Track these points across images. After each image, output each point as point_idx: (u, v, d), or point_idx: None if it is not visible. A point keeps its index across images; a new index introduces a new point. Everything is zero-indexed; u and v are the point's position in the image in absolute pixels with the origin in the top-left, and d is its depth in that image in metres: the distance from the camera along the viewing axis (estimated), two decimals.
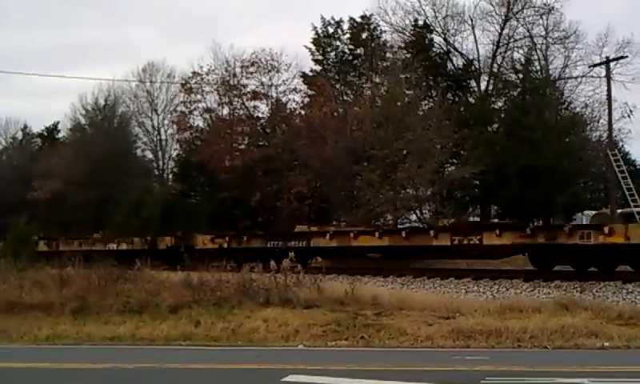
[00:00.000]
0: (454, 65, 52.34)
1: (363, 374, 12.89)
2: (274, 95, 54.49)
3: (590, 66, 47.75)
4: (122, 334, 19.23)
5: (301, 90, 55.18)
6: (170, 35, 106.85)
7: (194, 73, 56.51)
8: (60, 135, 74.60)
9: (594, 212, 40.93)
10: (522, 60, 50.92)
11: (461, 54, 51.87)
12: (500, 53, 50.70)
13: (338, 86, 53.06)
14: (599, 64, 45.30)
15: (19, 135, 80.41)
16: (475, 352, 15.35)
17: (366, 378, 12.57)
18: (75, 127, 68.61)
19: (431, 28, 51.64)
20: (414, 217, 47.12)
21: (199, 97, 57.20)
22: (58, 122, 74.81)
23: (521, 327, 17.29)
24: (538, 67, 50.84)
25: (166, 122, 65.90)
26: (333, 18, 54.08)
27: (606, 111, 43.90)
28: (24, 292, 23.96)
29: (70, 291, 23.50)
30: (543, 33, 49.82)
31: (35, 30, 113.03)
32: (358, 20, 53.56)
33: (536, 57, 50.61)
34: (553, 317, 18.21)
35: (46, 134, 76.46)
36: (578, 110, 50.74)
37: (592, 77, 48.62)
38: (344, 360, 14.59)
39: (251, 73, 53.95)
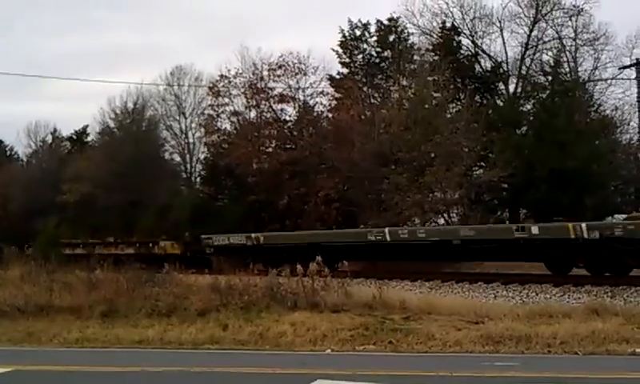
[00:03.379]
0: (482, 67, 52.04)
1: (391, 379, 12.85)
2: (301, 98, 54.48)
3: (620, 68, 47.34)
4: (151, 338, 19.30)
5: (328, 93, 55.08)
6: (198, 39, 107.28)
7: (221, 76, 56.67)
8: (89, 139, 75.14)
9: (624, 215, 40.51)
10: (551, 62, 50.47)
11: (489, 56, 51.58)
12: (529, 55, 50.31)
13: (365, 88, 52.88)
14: (629, 66, 44.90)
15: (48, 139, 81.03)
16: (505, 358, 15.21)
17: (393, 382, 12.52)
18: (104, 131, 69.03)
19: (459, 30, 51.36)
20: (441, 220, 46.88)
21: (227, 100, 57.30)
22: (87, 126, 75.34)
23: (551, 332, 17.13)
24: (567, 69, 50.41)
25: (193, 125, 66.13)
26: (360, 21, 53.91)
27: (637, 114, 43.53)
28: (53, 295, 24.13)
29: (99, 294, 23.66)
30: (572, 34, 49.37)
31: (64, 34, 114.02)
32: (385, 23, 53.36)
33: (565, 59, 50.18)
34: (583, 322, 18.03)
35: (75, 137, 76.98)
36: (607, 112, 50.22)
37: (622, 79, 48.19)
38: (372, 365, 14.54)
39: (278, 76, 53.99)
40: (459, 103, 47.63)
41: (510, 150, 43.37)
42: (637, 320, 18.41)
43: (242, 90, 55.83)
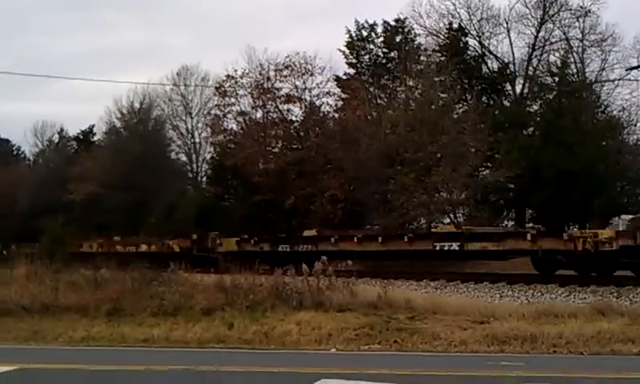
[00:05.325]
0: (488, 68, 52.08)
1: (396, 378, 12.82)
2: (308, 98, 54.49)
3: (627, 69, 47.34)
4: (156, 336, 19.26)
5: (334, 94, 55.12)
6: (204, 39, 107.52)
7: (228, 76, 56.66)
8: (95, 138, 75.43)
9: (630, 216, 40.39)
10: (558, 63, 50.54)
11: (496, 57, 51.66)
12: (536, 56, 50.39)
13: (371, 89, 52.88)
14: (636, 67, 44.88)
15: (55, 138, 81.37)
16: (510, 357, 15.17)
17: (398, 382, 12.50)
18: (110, 130, 69.25)
19: (466, 31, 51.43)
20: (447, 220, 46.84)
21: (233, 100, 57.33)
22: (93, 126, 75.69)
23: (556, 332, 17.07)
24: (575, 70, 50.45)
25: (200, 125, 66.52)
26: (367, 22, 54.04)
27: None
28: (59, 294, 24.11)
29: (105, 293, 23.63)
30: (579, 36, 49.51)
31: (72, 34, 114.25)
32: (392, 23, 53.47)
33: (572, 60, 50.25)
34: (589, 322, 17.96)
35: (81, 137, 77.22)
36: (614, 113, 50.31)
37: (629, 80, 48.29)
38: (377, 364, 14.50)
39: (285, 76, 53.99)
40: (466, 104, 47.66)
41: (516, 151, 43.39)
42: None
43: (249, 90, 55.90)
